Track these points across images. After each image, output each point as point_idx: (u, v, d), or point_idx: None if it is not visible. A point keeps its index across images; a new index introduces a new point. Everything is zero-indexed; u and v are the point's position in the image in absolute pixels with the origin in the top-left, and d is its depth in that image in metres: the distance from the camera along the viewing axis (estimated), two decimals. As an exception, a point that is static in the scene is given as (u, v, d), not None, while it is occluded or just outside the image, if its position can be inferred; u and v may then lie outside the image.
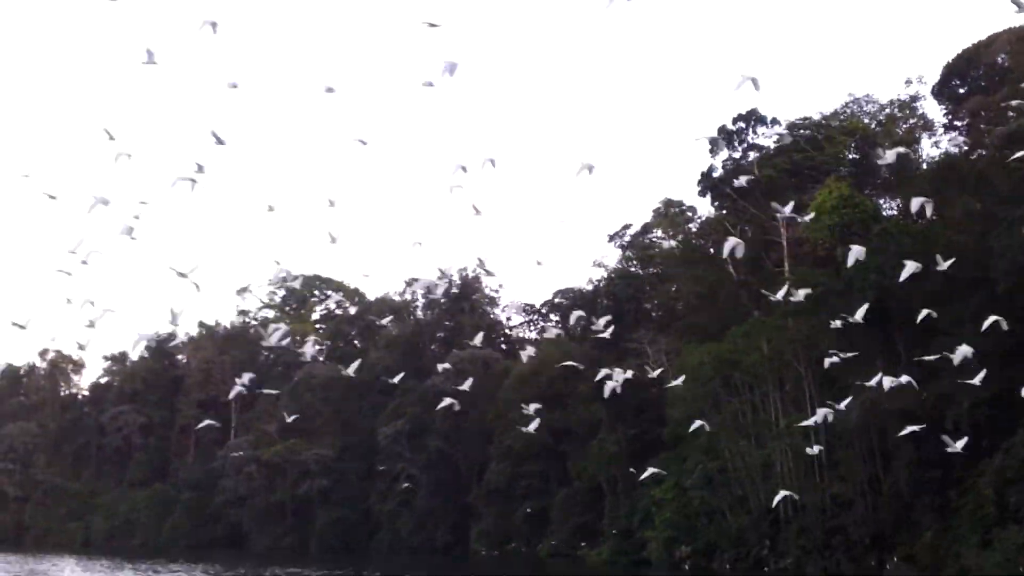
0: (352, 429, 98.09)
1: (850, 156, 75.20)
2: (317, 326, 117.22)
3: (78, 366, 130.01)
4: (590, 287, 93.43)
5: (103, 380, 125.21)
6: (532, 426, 49.59)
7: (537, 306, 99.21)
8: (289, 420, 76.28)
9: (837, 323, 44.16)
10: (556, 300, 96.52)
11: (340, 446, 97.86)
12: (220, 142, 31.50)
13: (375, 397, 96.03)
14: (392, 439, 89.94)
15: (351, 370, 70.56)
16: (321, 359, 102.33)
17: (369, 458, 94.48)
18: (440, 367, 69.81)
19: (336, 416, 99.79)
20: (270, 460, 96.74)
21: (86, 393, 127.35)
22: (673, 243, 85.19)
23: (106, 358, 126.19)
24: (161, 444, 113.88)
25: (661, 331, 78.90)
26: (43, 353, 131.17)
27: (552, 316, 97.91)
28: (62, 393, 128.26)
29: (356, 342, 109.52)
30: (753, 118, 78.61)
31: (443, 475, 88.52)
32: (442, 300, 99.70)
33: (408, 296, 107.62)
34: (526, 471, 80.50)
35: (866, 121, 78.08)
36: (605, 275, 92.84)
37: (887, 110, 78.30)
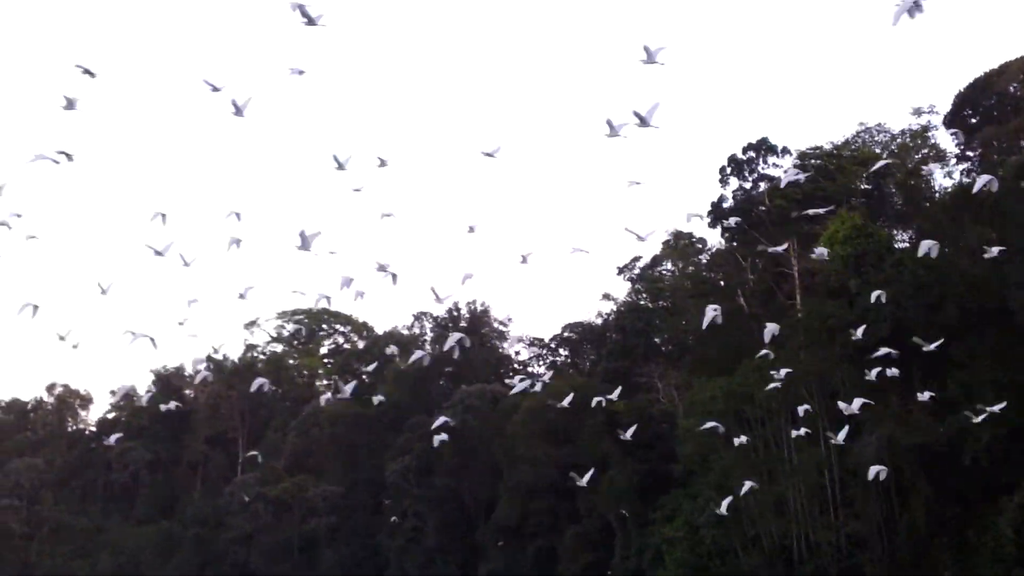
0: (359, 465, 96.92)
1: (862, 186, 74.33)
2: (325, 360, 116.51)
3: (85, 401, 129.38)
4: (599, 320, 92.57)
5: (110, 415, 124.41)
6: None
7: (546, 340, 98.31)
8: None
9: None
10: (565, 334, 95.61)
11: (347, 482, 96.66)
12: (238, 112, 31.61)
13: (382, 433, 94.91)
14: (399, 475, 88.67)
15: (347, 390, 69.17)
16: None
17: (377, 494, 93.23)
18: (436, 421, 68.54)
19: (343, 452, 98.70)
20: (277, 497, 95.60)
21: (93, 428, 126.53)
22: (675, 269, 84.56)
23: (113, 393, 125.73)
24: (168, 480, 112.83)
25: (671, 365, 77.80)
26: (50, 388, 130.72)
27: (561, 350, 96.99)
28: (69, 428, 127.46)
29: (364, 376, 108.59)
30: (763, 147, 77.83)
31: (451, 512, 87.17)
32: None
33: (416, 330, 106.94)
34: (535, 508, 79.06)
35: (877, 151, 77.22)
36: (614, 308, 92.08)
37: (899, 139, 77.48)
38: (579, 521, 76.29)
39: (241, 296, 42.95)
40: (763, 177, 77.11)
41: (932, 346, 40.48)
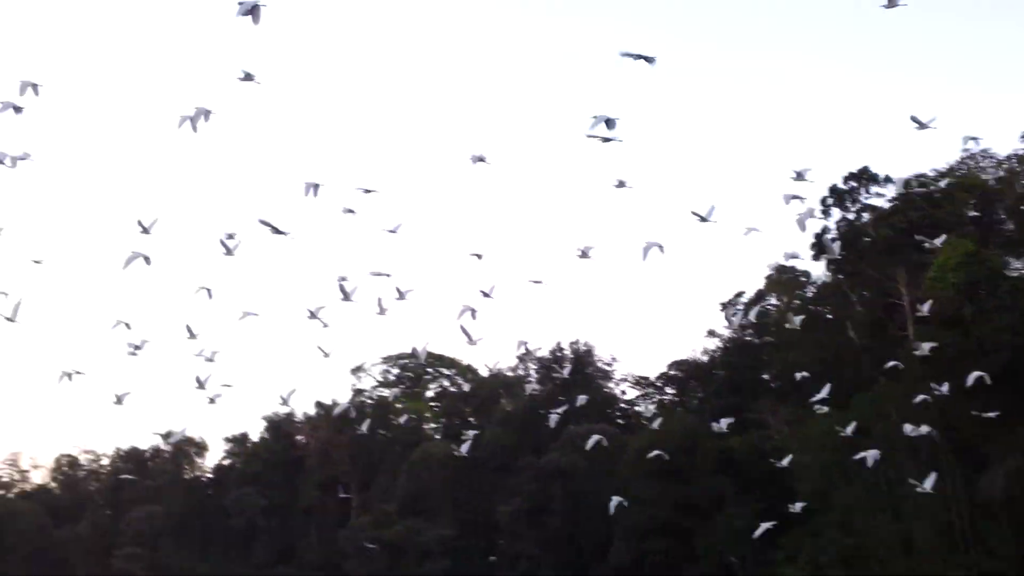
0: (470, 508, 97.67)
1: (970, 213, 73.15)
2: (432, 404, 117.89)
3: (201, 448, 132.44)
4: (705, 357, 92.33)
5: (225, 462, 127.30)
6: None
7: (652, 378, 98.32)
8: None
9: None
10: (671, 372, 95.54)
11: (459, 525, 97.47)
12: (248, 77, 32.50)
13: (492, 475, 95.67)
14: (511, 517, 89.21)
15: (463, 449, 70.72)
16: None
17: (489, 537, 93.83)
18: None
19: (453, 494, 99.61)
20: (391, 540, 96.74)
21: (210, 475, 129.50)
22: (779, 303, 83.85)
23: (227, 440, 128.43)
24: (284, 525, 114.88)
25: (781, 400, 77.16)
26: (166, 435, 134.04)
27: (668, 388, 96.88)
28: (186, 476, 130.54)
29: (471, 419, 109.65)
30: (864, 176, 77.26)
31: (564, 554, 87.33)
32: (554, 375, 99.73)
33: (521, 371, 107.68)
34: (650, 548, 78.78)
35: (984, 177, 76.12)
36: (720, 345, 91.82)
37: (1006, 164, 76.24)
38: (696, 562, 75.85)
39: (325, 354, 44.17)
40: (866, 207, 76.52)
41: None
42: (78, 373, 42.40)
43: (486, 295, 42.45)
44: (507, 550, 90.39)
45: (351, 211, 39.43)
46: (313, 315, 41.66)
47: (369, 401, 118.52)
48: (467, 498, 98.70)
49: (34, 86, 30.87)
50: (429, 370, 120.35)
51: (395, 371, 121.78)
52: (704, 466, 76.09)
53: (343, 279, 39.66)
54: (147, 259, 35.11)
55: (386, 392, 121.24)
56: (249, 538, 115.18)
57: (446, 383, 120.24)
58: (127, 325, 41.22)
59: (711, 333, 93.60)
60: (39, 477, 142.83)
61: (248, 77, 32.81)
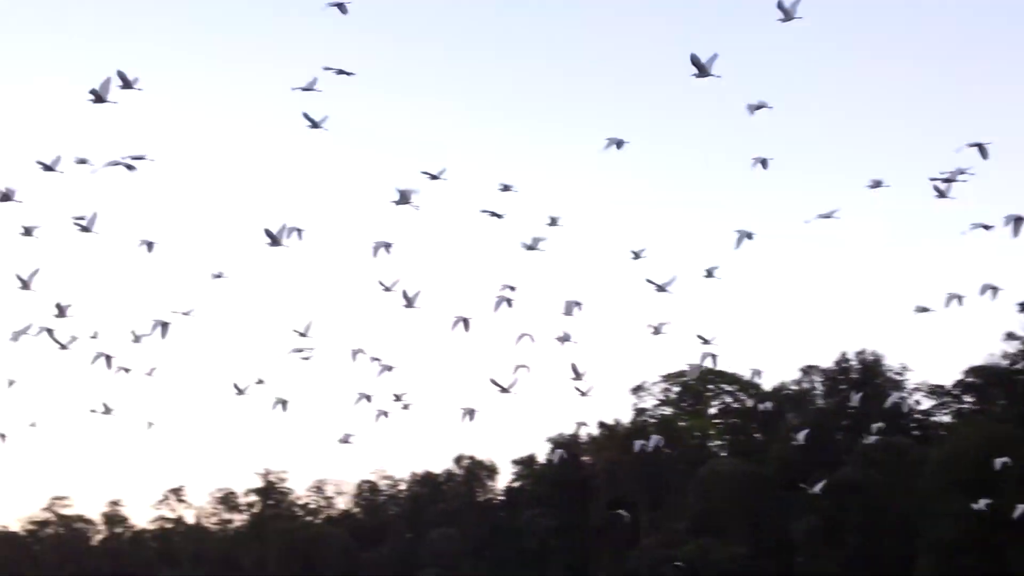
0: (763, 526, 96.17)
1: None
2: (715, 421, 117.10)
3: (491, 471, 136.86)
4: (1006, 362, 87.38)
5: (515, 484, 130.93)
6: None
7: (948, 386, 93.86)
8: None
9: None
10: (968, 379, 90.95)
11: (751, 543, 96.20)
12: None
13: (783, 492, 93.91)
14: (807, 535, 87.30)
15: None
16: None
17: (784, 556, 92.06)
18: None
19: (743, 512, 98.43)
20: (683, 560, 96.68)
21: (502, 497, 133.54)
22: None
23: (515, 462, 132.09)
24: (575, 546, 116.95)
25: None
26: (458, 460, 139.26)
27: (966, 396, 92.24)
28: (479, 498, 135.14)
29: (757, 435, 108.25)
30: None
31: (865, 572, 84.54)
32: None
33: (806, 384, 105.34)
34: (959, 565, 75.08)
35: None
36: (1021, 347, 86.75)
37: None
38: (1011, 578, 71.81)
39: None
40: None
41: None
42: (367, 398, 44.25)
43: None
44: (804, 569, 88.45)
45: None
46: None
47: (652, 420, 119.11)
48: (758, 516, 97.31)
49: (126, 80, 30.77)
50: (710, 387, 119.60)
51: (676, 389, 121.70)
52: (1013, 476, 71.85)
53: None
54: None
55: (668, 411, 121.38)
56: (542, 559, 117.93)
57: (728, 399, 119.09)
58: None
59: (1009, 336, 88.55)
60: (343, 503, 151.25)
61: (342, 72, 34.09)
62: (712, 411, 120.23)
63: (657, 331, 41.02)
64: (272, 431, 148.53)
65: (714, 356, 39.39)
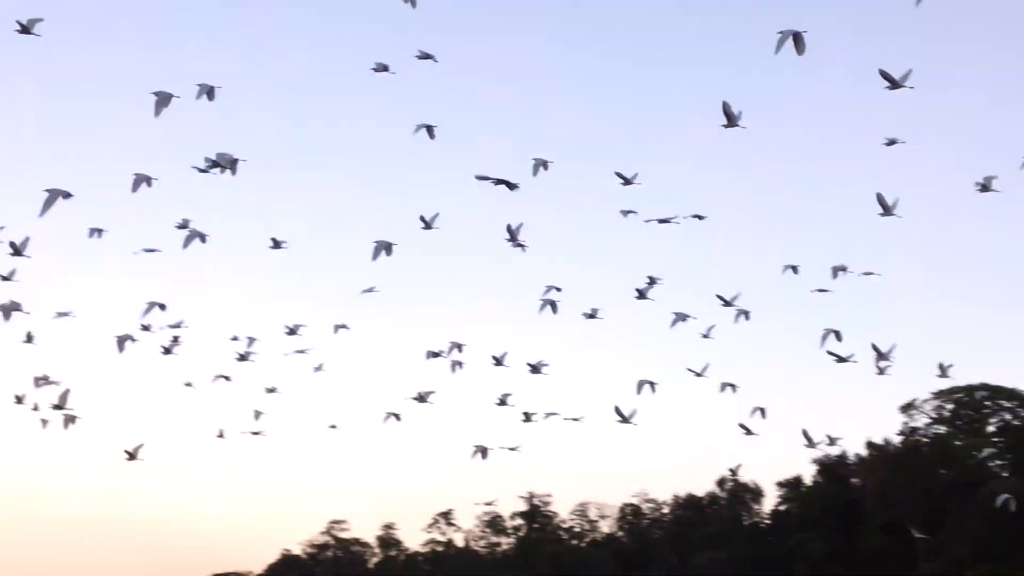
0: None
1: None
2: (994, 439, 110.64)
3: (756, 494, 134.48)
4: None
5: (781, 507, 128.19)
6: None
7: None
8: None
9: None
10: None
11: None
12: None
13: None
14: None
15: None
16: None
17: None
18: None
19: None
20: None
21: (768, 521, 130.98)
22: None
23: (779, 484, 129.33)
24: (848, 572, 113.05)
25: None
26: (721, 482, 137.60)
27: None
28: (745, 522, 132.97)
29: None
30: None
31: None
32: None
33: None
34: None
35: None
36: None
37: None
38: None
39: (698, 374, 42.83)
40: None
41: None
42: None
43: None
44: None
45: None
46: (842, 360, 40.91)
47: (924, 440, 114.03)
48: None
49: (210, 90, 30.91)
50: (988, 404, 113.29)
51: (949, 407, 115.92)
52: None
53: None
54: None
55: (941, 429, 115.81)
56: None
57: (1008, 416, 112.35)
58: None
59: None
60: (606, 526, 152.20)
61: (382, 68, 35.09)
62: (990, 429, 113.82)
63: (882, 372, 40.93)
64: (534, 453, 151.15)
65: None
